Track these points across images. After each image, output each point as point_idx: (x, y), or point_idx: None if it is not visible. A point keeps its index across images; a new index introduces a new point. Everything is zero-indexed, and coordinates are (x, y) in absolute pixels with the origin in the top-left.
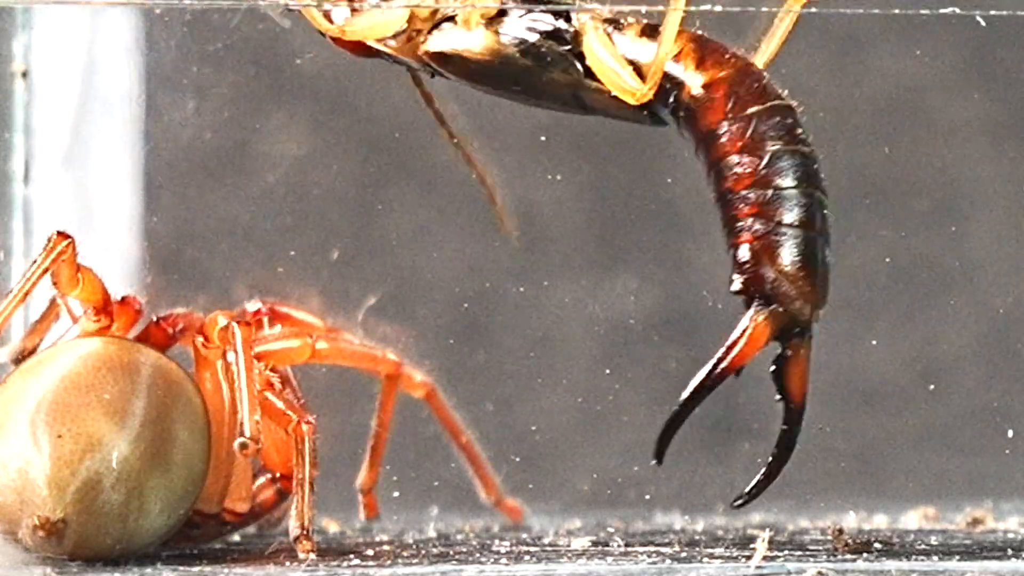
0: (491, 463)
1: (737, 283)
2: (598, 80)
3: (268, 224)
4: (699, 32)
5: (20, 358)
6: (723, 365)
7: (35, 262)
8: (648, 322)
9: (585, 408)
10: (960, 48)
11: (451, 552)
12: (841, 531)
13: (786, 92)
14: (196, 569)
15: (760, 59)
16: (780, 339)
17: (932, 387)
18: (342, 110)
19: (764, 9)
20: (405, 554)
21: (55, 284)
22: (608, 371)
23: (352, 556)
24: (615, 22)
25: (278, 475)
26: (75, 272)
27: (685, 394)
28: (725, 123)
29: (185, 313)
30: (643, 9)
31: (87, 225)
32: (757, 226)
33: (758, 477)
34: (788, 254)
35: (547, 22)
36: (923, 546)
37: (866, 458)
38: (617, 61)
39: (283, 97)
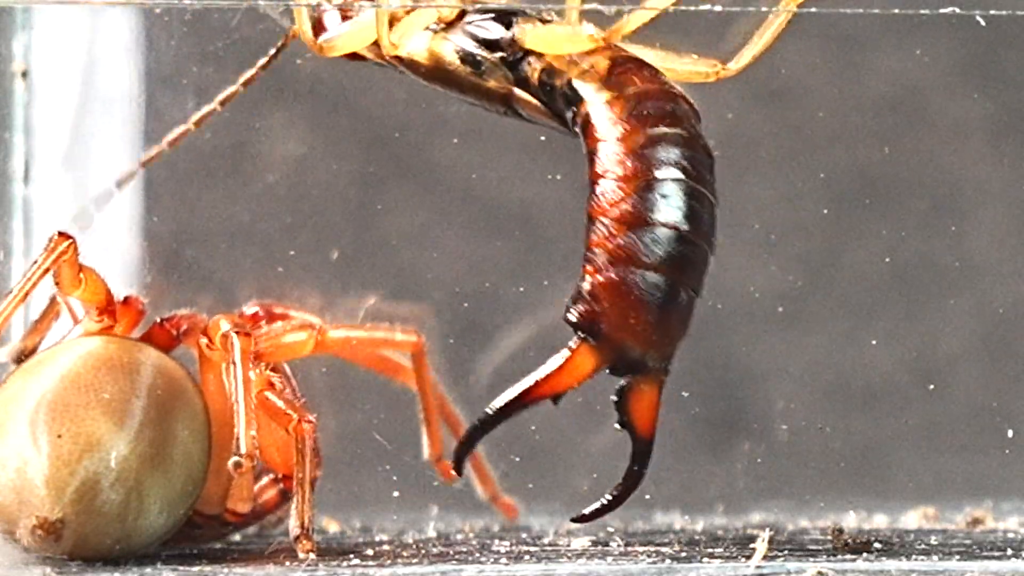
0: (491, 463)
1: (572, 314)
2: (527, 90)
3: (268, 224)
4: (624, 50)
5: (20, 357)
6: (539, 390)
7: (36, 262)
8: None
9: (585, 408)
10: (960, 48)
11: (451, 552)
12: (841, 531)
13: (696, 124)
14: (196, 569)
15: (749, 52)
16: (613, 373)
17: (932, 387)
18: (342, 110)
19: (764, 9)
20: (405, 554)
21: (57, 285)
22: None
23: (352, 556)
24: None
25: (281, 475)
26: (77, 273)
27: (490, 411)
28: (603, 145)
29: (189, 314)
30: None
31: (87, 225)
32: (601, 259)
33: (599, 502)
34: (624, 295)
35: (488, 31)
36: (923, 546)
37: (866, 458)
38: (558, 26)
39: (283, 97)
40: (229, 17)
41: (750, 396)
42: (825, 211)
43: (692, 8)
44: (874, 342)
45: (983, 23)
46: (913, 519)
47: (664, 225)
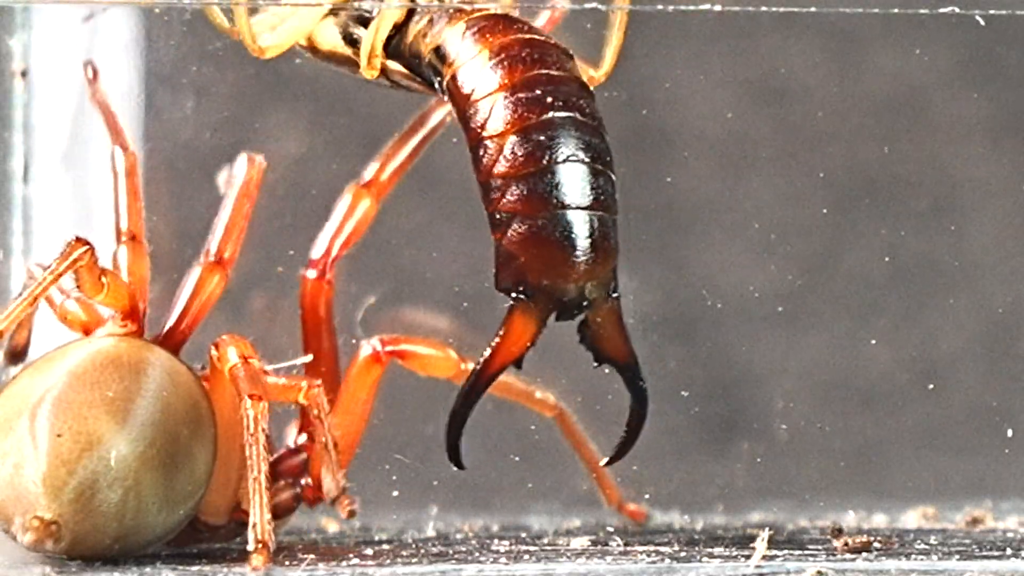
0: (491, 463)
1: (498, 281)
2: (400, 62)
3: (268, 224)
4: (480, 9)
5: (13, 354)
6: (495, 363)
7: (49, 267)
8: (647, 322)
9: (585, 408)
10: (960, 48)
11: (450, 551)
12: (840, 531)
13: (557, 61)
14: (196, 569)
15: (608, 55)
16: (562, 319)
17: (932, 387)
18: (342, 110)
19: (763, 9)
20: (404, 553)
21: (79, 288)
22: (608, 371)
23: (352, 556)
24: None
25: (295, 480)
26: (98, 277)
27: (460, 396)
28: (471, 104)
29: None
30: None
31: (87, 225)
32: (503, 218)
33: (621, 438)
34: (536, 243)
35: (362, 10)
36: (923, 546)
37: (866, 458)
38: (370, 39)
39: (283, 97)
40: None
41: (750, 396)
42: (825, 211)
43: (692, 8)
44: (874, 342)
45: (983, 23)
46: (913, 519)
47: (552, 162)
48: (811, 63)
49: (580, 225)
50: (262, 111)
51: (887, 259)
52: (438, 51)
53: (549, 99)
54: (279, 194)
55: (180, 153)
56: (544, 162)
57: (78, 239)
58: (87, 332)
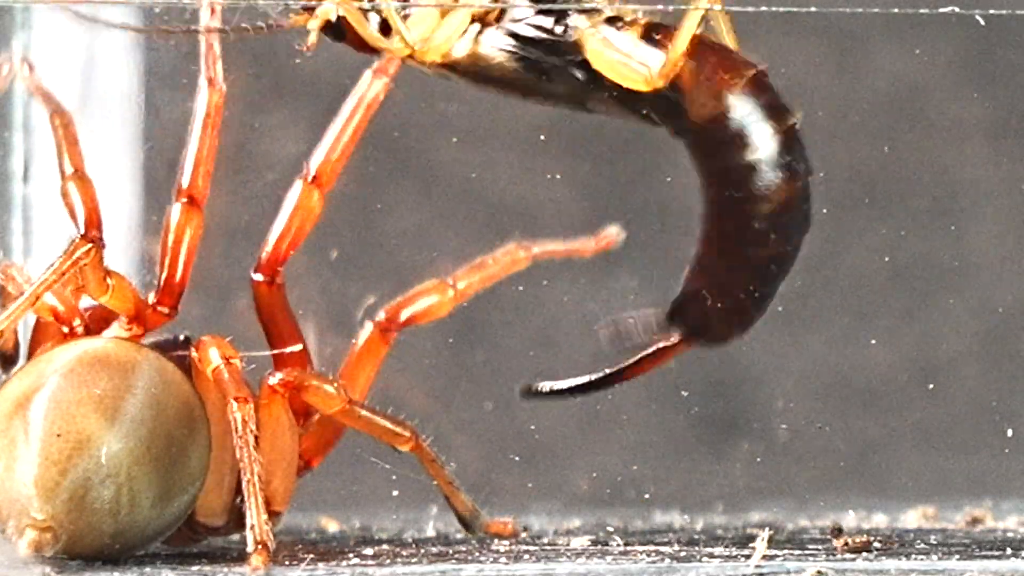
0: (491, 463)
1: (673, 313)
2: (599, 86)
3: (268, 224)
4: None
5: (4, 358)
6: (633, 372)
7: (52, 265)
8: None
9: (585, 408)
10: (960, 48)
11: (450, 551)
12: (840, 530)
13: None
14: (196, 569)
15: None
16: None
17: (932, 387)
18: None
19: (764, 9)
20: (404, 553)
21: (84, 288)
22: (608, 371)
23: (352, 556)
24: (615, 20)
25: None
26: (103, 278)
27: (583, 384)
28: (733, 166)
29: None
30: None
31: None
32: (708, 274)
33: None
34: (723, 313)
35: (544, 32)
36: (922, 545)
37: (866, 458)
38: (623, 54)
39: (283, 97)
40: (229, 17)
41: (750, 396)
42: (825, 211)
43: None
44: (874, 342)
45: (983, 23)
46: (913, 518)
47: (791, 241)
48: (811, 63)
49: (768, 302)
50: (262, 111)
51: (887, 259)
52: (679, 88)
53: (802, 161)
54: (279, 194)
55: (180, 153)
56: (786, 242)
57: (83, 236)
58: (60, 321)
